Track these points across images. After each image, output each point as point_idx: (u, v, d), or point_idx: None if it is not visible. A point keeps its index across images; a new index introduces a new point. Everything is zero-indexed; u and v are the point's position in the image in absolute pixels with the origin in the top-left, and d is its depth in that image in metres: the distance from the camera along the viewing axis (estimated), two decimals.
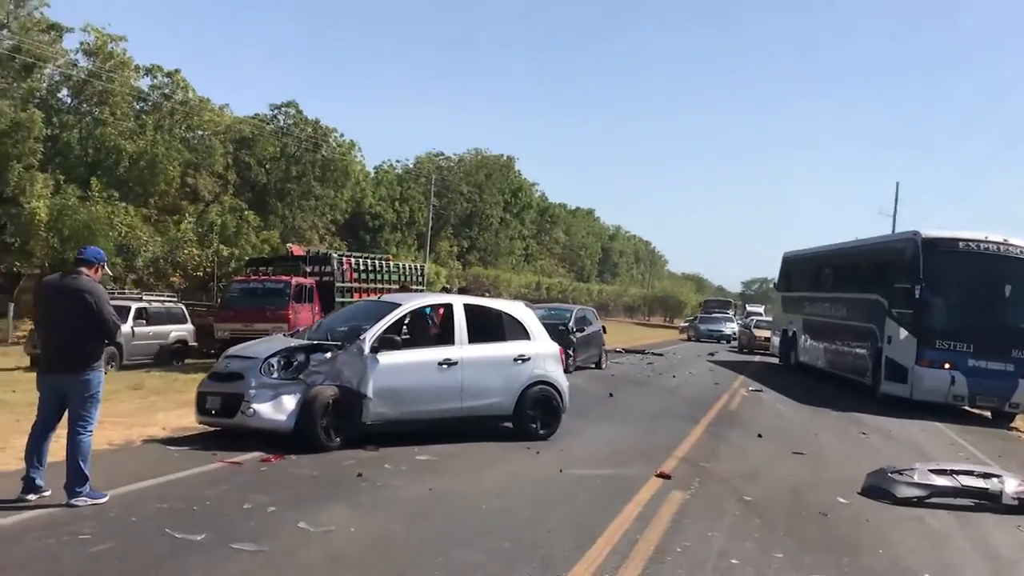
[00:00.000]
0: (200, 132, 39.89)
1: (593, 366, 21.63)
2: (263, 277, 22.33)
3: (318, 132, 46.39)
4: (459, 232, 64.47)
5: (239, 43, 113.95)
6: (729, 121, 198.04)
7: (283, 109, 46.59)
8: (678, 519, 7.13)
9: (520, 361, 10.43)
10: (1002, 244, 17.10)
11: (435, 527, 6.51)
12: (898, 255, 18.29)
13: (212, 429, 9.48)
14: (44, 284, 6.88)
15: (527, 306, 12.43)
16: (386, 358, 9.35)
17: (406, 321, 10.40)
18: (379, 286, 23.73)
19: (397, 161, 61.74)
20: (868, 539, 7.08)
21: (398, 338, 9.78)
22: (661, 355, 29.39)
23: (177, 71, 37.21)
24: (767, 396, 17.91)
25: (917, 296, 16.76)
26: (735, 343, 39.12)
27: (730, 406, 15.75)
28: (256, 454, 8.53)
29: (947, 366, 16.52)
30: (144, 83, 37.35)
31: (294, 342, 9.62)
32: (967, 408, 17.34)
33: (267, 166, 44.19)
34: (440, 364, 9.77)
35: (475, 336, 10.20)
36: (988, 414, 17.52)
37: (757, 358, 31.17)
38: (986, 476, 9.09)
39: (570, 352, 19.46)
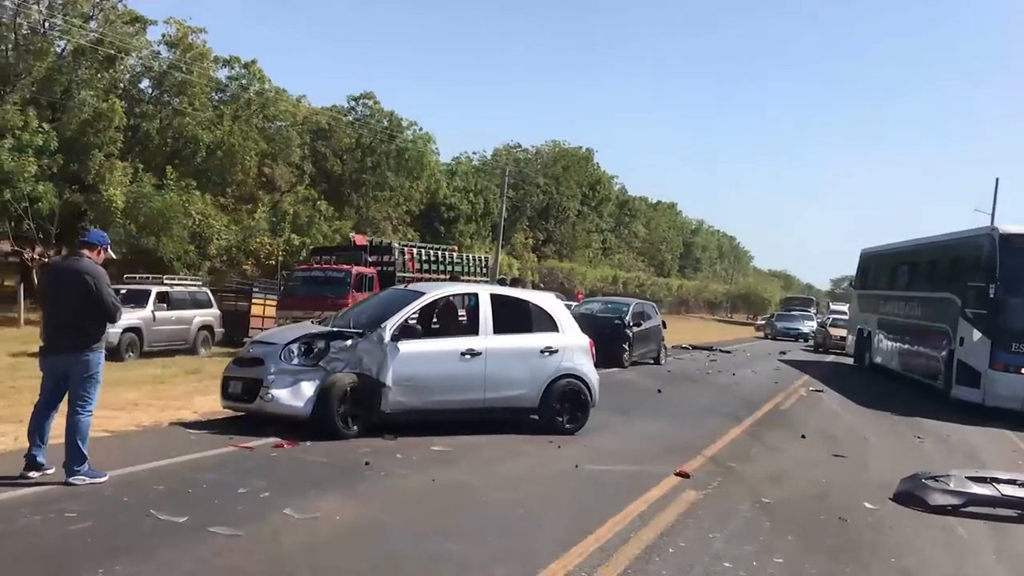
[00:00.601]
0: (277, 123, 40.63)
1: (652, 361, 21.25)
2: (325, 265, 22.63)
3: (393, 123, 46.87)
4: (535, 224, 64.29)
5: (319, 34, 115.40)
6: (824, 112, 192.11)
7: (361, 100, 47.24)
8: (683, 519, 6.86)
9: (547, 353, 10.24)
10: None
11: (425, 518, 6.41)
12: (974, 252, 17.28)
13: (237, 414, 9.59)
14: (49, 266, 7.03)
15: (559, 298, 12.21)
16: (407, 346, 9.29)
17: (435, 310, 10.32)
18: (441, 276, 23.88)
19: (474, 153, 62.05)
20: (883, 547, 6.68)
21: (419, 327, 9.70)
22: (729, 352, 28.73)
23: (254, 62, 37.93)
24: (827, 397, 17.25)
25: (992, 295, 15.83)
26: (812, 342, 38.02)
27: (783, 406, 15.21)
28: (271, 440, 8.58)
29: (1023, 371, 15.46)
30: (222, 74, 38.21)
31: (317, 329, 9.63)
32: None
33: (343, 157, 44.82)
34: (463, 354, 9.66)
35: (501, 327, 10.06)
36: None
37: (831, 358, 30.15)
38: None
39: (625, 347, 19.24)
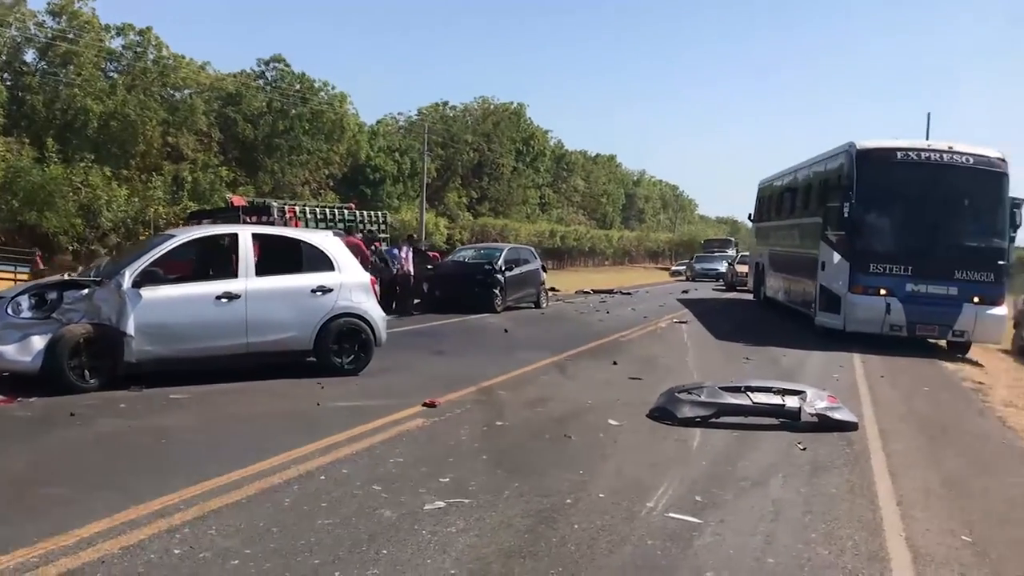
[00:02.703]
0: (181, 91, 39.55)
1: (532, 305, 20.95)
2: None
3: (305, 85, 45.87)
4: (468, 183, 63.59)
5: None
6: (751, 53, 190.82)
7: (271, 64, 46.17)
8: (379, 446, 6.57)
9: (320, 293, 9.81)
10: (946, 152, 15.46)
11: (78, 463, 6.07)
12: (835, 171, 16.76)
13: None
14: None
15: (336, 235, 11.77)
16: (151, 293, 8.80)
17: (190, 254, 9.86)
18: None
19: (400, 114, 61.10)
20: (586, 461, 6.48)
21: (161, 271, 9.21)
22: (629, 294, 28.56)
23: (149, 29, 36.85)
24: (688, 328, 17.06)
25: (847, 215, 15.24)
26: None
27: (627, 337, 15.02)
28: None
29: (883, 292, 15.10)
30: (117, 43, 37.04)
31: (50, 280, 9.13)
32: (939, 341, 15.92)
33: (255, 122, 43.84)
34: (219, 298, 9.19)
35: (268, 268, 9.64)
36: (943, 343, 16.03)
37: (733, 295, 30.01)
38: (788, 393, 8.34)
39: (496, 291, 18.90)
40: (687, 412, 8.04)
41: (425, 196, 54.14)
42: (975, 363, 14.99)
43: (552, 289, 30.00)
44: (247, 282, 9.38)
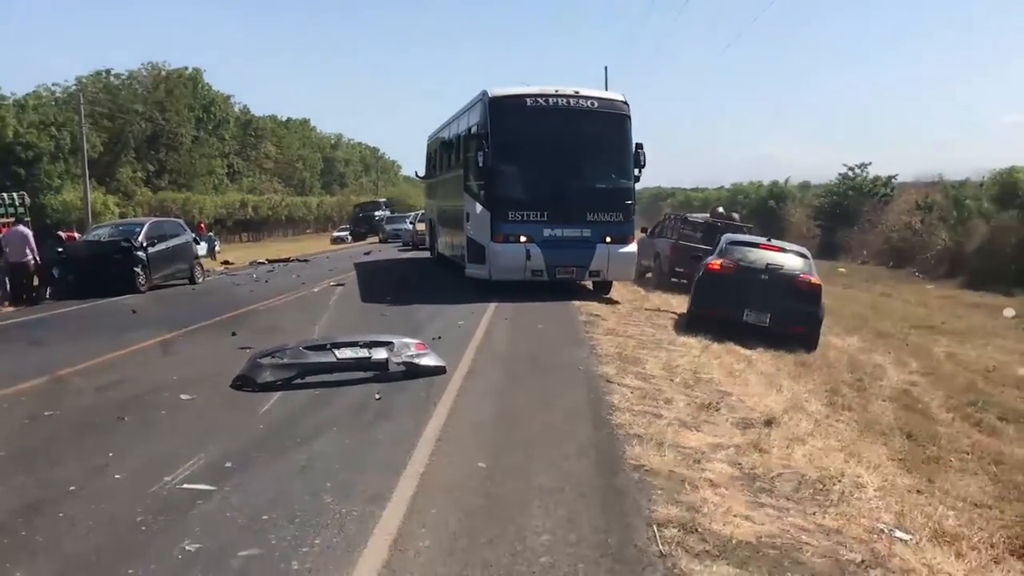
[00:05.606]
0: None
1: (185, 281, 19.81)
2: None
3: None
4: (144, 156, 59.03)
5: None
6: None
7: None
8: None
9: None
10: (572, 96, 15.61)
11: None
12: (474, 122, 16.61)
13: None
14: None
15: None
16: None
17: None
18: None
19: (55, 84, 55.16)
20: (123, 443, 6.21)
21: None
22: (306, 261, 28.06)
23: None
24: (340, 291, 16.92)
25: (481, 164, 15.20)
26: None
27: (271, 305, 14.66)
28: None
29: (523, 240, 15.20)
30: None
31: None
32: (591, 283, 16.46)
33: None
34: None
35: None
36: (591, 285, 16.71)
37: (413, 254, 30.16)
38: (375, 345, 8.40)
39: (138, 269, 17.65)
40: (268, 376, 7.88)
41: (91, 173, 49.68)
42: (611, 300, 15.79)
43: (226, 263, 28.88)
44: None
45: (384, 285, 17.76)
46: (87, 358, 9.52)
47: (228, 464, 5.59)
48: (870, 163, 40.41)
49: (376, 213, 54.38)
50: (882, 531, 4.95)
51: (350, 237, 51.01)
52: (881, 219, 35.66)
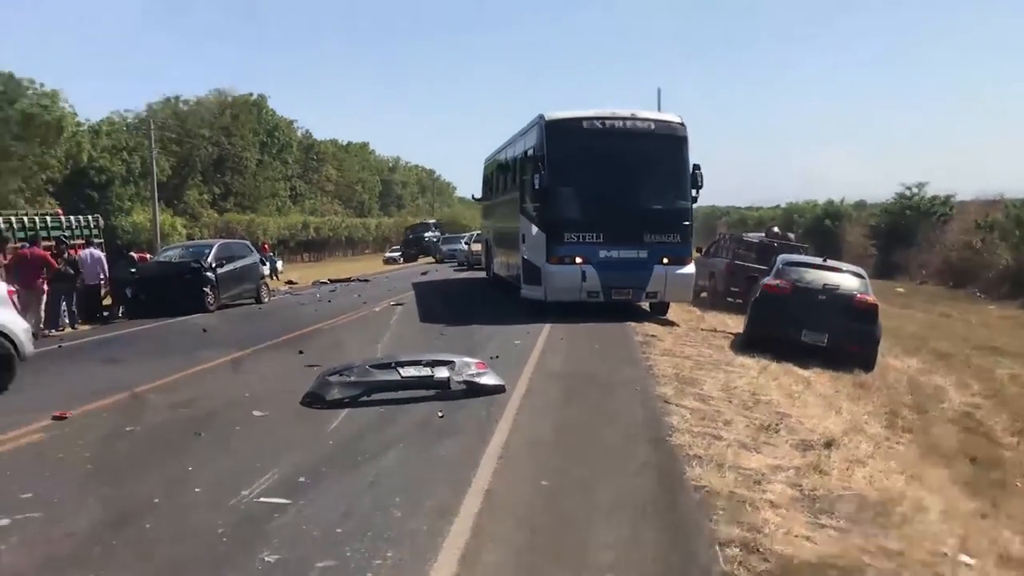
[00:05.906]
0: None
1: (252, 301, 20.36)
2: None
3: (10, 86, 41.78)
4: (211, 179, 60.77)
5: None
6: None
7: None
8: None
9: None
10: (629, 119, 15.75)
11: None
12: (529, 145, 16.88)
13: None
14: None
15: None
16: None
17: None
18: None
19: (127, 111, 57.11)
20: (201, 457, 6.47)
21: None
22: (366, 281, 28.54)
23: None
24: (400, 311, 17.24)
25: (537, 186, 15.38)
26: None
27: (334, 324, 15.01)
28: None
29: (578, 261, 15.27)
30: None
31: None
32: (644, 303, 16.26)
33: None
34: None
35: None
36: (647, 306, 16.55)
37: (467, 274, 30.52)
38: (437, 364, 8.62)
39: (207, 290, 18.21)
40: (336, 394, 8.14)
41: (159, 196, 51.23)
42: (667, 321, 15.77)
43: (290, 282, 29.54)
44: None
45: (442, 305, 18.06)
46: (162, 375, 9.89)
47: (302, 479, 5.82)
48: (927, 183, 39.74)
49: (426, 234, 55.28)
50: (946, 555, 4.96)
51: (402, 259, 51.98)
52: (940, 239, 34.95)
